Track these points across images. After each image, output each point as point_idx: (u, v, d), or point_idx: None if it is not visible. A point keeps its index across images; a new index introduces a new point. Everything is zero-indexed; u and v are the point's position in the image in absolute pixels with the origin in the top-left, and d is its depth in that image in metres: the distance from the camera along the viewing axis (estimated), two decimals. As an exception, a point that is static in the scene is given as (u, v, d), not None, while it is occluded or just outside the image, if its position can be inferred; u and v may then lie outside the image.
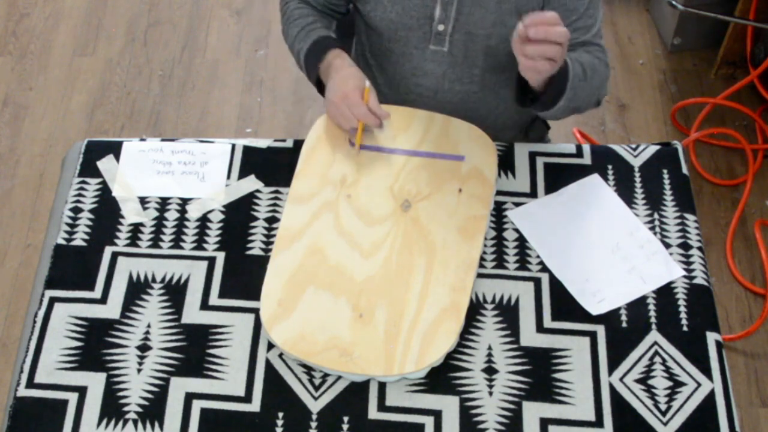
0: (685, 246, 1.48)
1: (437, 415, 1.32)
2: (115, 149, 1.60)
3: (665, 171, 1.57)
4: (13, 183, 2.53)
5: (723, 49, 2.63)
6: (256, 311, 1.41)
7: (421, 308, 1.38)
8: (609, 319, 1.40)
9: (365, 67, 1.73)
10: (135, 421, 1.31)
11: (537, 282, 1.44)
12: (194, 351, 1.38)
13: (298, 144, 1.60)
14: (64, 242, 1.49)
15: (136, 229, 1.51)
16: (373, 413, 1.32)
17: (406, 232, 1.45)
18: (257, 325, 1.40)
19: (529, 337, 1.38)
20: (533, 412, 1.32)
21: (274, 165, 1.58)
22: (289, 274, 1.41)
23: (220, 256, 1.47)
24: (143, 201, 1.54)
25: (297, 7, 1.66)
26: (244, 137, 2.54)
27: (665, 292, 1.43)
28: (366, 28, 1.65)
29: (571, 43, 1.48)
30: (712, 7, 2.54)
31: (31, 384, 1.35)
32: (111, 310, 1.42)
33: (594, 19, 1.51)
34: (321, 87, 1.63)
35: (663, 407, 1.32)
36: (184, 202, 1.54)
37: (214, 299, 1.43)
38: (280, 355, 1.37)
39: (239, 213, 1.53)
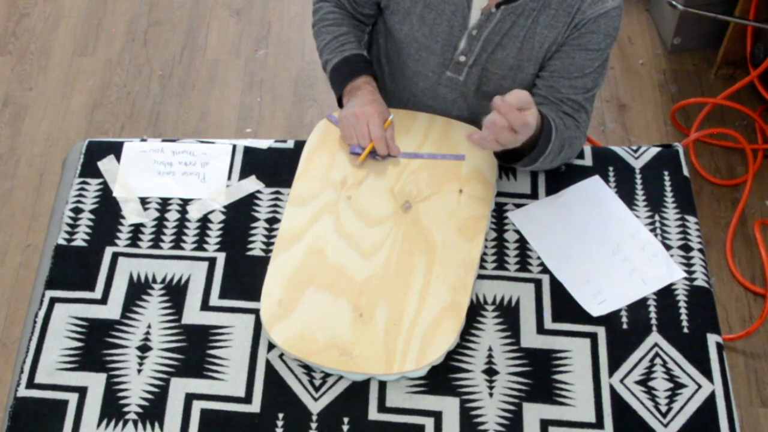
0: (685, 248, 1.48)
1: (437, 416, 1.32)
2: (116, 150, 1.60)
3: (666, 173, 1.57)
4: (13, 183, 2.53)
5: (723, 49, 2.63)
6: (256, 312, 1.41)
7: (422, 307, 1.38)
8: (609, 320, 1.40)
9: (379, 70, 1.72)
10: (135, 422, 1.31)
11: (537, 283, 1.44)
12: (194, 352, 1.38)
13: (299, 145, 1.60)
14: (64, 242, 1.49)
15: (136, 229, 1.51)
16: (374, 414, 1.32)
17: (407, 233, 1.45)
18: (257, 326, 1.40)
19: (530, 338, 1.38)
20: (533, 413, 1.32)
21: (274, 166, 1.58)
22: (289, 275, 1.41)
23: (221, 257, 1.47)
24: (144, 201, 1.54)
25: (331, 11, 1.64)
26: (244, 137, 2.54)
27: (666, 294, 1.43)
28: (386, 34, 1.65)
29: (563, 97, 1.50)
30: (712, 7, 2.53)
31: (31, 384, 1.35)
32: (111, 310, 1.42)
33: (595, 83, 1.51)
34: (339, 99, 1.63)
35: (663, 409, 1.32)
36: (185, 202, 1.54)
37: (214, 300, 1.43)
38: (281, 356, 1.37)
39: (240, 214, 1.53)
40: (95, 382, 1.35)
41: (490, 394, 1.33)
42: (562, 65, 1.49)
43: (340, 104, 1.61)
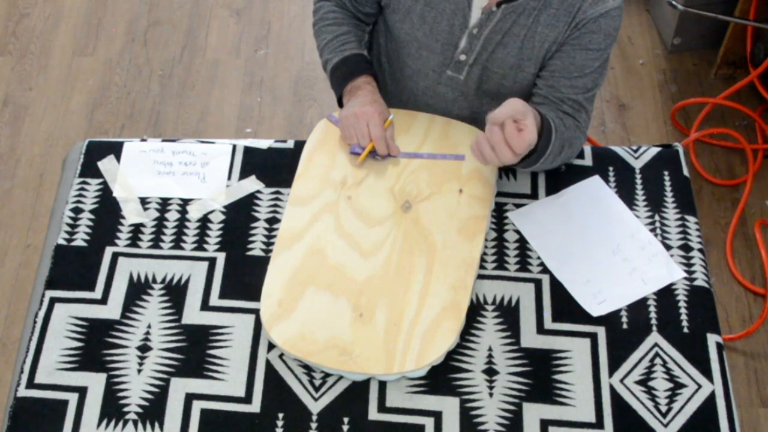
0: (685, 248, 1.48)
1: (437, 416, 1.32)
2: (115, 150, 1.60)
3: (666, 173, 1.57)
4: (13, 183, 2.53)
5: (723, 49, 2.63)
6: (256, 312, 1.41)
7: (422, 307, 1.38)
8: (609, 320, 1.40)
9: (379, 70, 1.72)
10: (135, 422, 1.31)
11: (537, 283, 1.44)
12: (194, 351, 1.38)
13: (299, 145, 1.60)
14: (64, 242, 1.49)
15: (136, 229, 1.51)
16: (374, 414, 1.32)
17: (407, 233, 1.45)
18: (257, 326, 1.40)
19: (530, 338, 1.38)
20: (533, 413, 1.32)
21: (274, 166, 1.58)
22: (289, 275, 1.41)
23: (221, 257, 1.47)
24: (144, 201, 1.54)
25: (331, 10, 1.64)
26: (244, 137, 2.54)
27: (666, 294, 1.43)
28: (387, 33, 1.65)
29: (563, 97, 1.50)
30: (712, 7, 2.54)
31: (31, 384, 1.35)
32: (111, 310, 1.42)
33: (595, 83, 1.51)
34: (339, 99, 1.62)
35: (663, 409, 1.32)
36: (185, 202, 1.54)
37: (214, 300, 1.43)
38: (281, 356, 1.37)
39: (240, 213, 1.53)
40: (95, 382, 1.35)
41: (490, 394, 1.33)
42: (563, 65, 1.49)
43: (341, 104, 1.61)
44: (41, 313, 1.42)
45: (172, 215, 1.53)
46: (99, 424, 1.31)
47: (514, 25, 1.48)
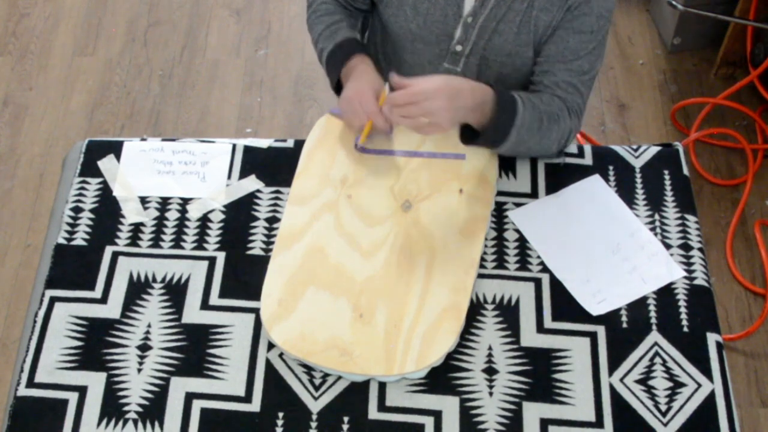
0: (685, 247, 1.48)
1: (437, 415, 1.32)
2: (115, 149, 1.60)
3: (666, 172, 1.57)
4: (13, 183, 2.53)
5: (723, 49, 2.63)
6: (256, 311, 1.41)
7: (422, 308, 1.38)
8: (609, 319, 1.40)
9: (378, 68, 1.72)
10: (135, 421, 1.31)
11: (537, 282, 1.44)
12: (194, 351, 1.38)
13: (299, 144, 1.60)
14: (64, 242, 1.49)
15: (136, 228, 1.51)
16: (374, 413, 1.32)
17: (407, 233, 1.45)
18: (257, 325, 1.40)
19: (530, 337, 1.38)
20: (533, 412, 1.32)
21: (274, 165, 1.58)
22: (289, 274, 1.41)
23: (221, 256, 1.47)
24: (144, 201, 1.54)
25: (324, 2, 1.63)
26: (244, 137, 2.54)
27: (666, 293, 1.43)
28: (382, 30, 1.65)
29: (558, 80, 1.49)
30: (712, 7, 2.54)
31: (31, 384, 1.35)
32: (111, 309, 1.42)
33: (591, 65, 1.50)
34: (339, 88, 1.60)
35: (663, 408, 1.32)
36: (185, 201, 1.54)
37: (214, 299, 1.43)
38: (281, 355, 1.37)
39: (240, 213, 1.53)
40: (95, 382, 1.35)
41: (490, 393, 1.33)
42: (557, 49, 1.48)
43: (338, 93, 1.60)
44: (41, 313, 1.42)
45: (172, 214, 1.53)
46: (99, 424, 1.31)
47: (509, 11, 1.47)
